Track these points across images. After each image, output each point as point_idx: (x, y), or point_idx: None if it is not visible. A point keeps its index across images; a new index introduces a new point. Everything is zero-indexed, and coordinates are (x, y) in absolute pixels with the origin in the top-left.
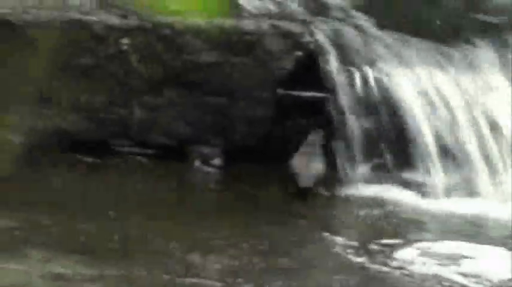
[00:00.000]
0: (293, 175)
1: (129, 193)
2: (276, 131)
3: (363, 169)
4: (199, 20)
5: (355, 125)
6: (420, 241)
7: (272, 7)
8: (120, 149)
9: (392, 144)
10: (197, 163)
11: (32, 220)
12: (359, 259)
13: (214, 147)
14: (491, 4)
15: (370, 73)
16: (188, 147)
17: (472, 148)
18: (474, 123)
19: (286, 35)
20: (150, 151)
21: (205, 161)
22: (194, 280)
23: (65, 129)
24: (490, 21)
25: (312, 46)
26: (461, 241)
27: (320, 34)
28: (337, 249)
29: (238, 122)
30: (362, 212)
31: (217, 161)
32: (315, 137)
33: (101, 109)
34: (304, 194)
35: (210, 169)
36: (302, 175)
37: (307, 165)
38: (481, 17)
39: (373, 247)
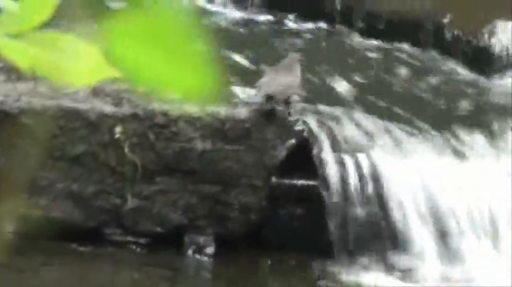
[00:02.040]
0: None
1: (122, 282)
2: (270, 219)
3: (358, 257)
4: (193, 108)
5: (349, 213)
6: None
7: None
8: (113, 237)
9: (386, 231)
10: (190, 252)
11: None
12: None
13: (207, 235)
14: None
15: (364, 161)
16: (181, 235)
17: (465, 236)
18: (467, 211)
19: (280, 123)
20: (143, 240)
21: (199, 249)
22: None
23: (57, 217)
24: (482, 108)
25: (305, 134)
26: None
27: (313, 122)
28: None
29: (232, 210)
30: None
31: (210, 250)
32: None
33: (94, 197)
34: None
35: (203, 258)
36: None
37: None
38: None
39: None
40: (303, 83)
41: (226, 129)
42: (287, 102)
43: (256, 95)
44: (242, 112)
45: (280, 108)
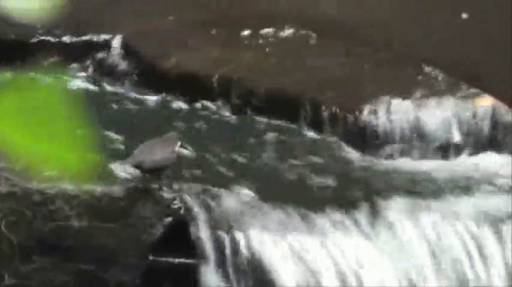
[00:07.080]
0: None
1: None
2: None
3: None
4: (69, 186)
5: None
6: None
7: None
8: None
9: None
10: None
11: None
12: None
13: None
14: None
15: (240, 238)
16: None
17: None
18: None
19: (157, 201)
20: None
21: None
22: None
23: None
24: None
25: (182, 212)
26: None
27: (190, 200)
28: None
29: None
30: None
31: None
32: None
33: None
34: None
35: None
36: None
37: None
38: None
39: None
40: (177, 159)
41: (102, 207)
42: (158, 173)
43: (126, 164)
44: (118, 190)
45: (155, 186)
